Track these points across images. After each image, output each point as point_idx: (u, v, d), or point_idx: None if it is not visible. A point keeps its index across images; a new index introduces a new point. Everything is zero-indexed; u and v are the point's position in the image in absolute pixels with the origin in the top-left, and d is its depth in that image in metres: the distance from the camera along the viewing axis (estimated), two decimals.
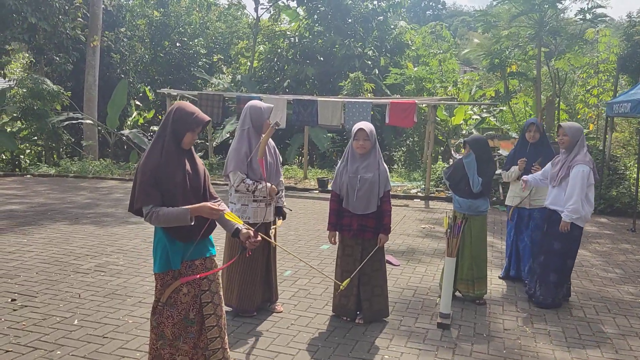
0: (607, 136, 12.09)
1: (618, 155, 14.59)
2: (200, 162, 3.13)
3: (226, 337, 3.17)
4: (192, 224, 2.87)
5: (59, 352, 3.71)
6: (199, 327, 3.05)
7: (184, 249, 3.00)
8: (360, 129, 4.19)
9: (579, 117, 19.34)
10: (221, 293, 3.16)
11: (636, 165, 10.43)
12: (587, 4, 14.74)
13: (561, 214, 4.80)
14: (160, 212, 2.84)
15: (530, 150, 5.51)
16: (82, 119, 16.80)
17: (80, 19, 17.76)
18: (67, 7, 17.26)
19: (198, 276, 3.00)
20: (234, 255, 4.31)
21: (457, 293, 5.09)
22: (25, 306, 4.58)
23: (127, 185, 13.17)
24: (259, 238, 3.09)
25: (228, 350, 3.17)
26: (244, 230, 3.07)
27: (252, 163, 4.25)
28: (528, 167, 5.44)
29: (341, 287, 4.27)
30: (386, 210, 4.31)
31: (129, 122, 19.15)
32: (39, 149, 18.22)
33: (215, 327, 3.07)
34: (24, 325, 4.17)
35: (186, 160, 3.00)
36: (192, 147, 3.11)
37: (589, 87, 17.85)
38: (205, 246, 3.11)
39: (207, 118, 3.03)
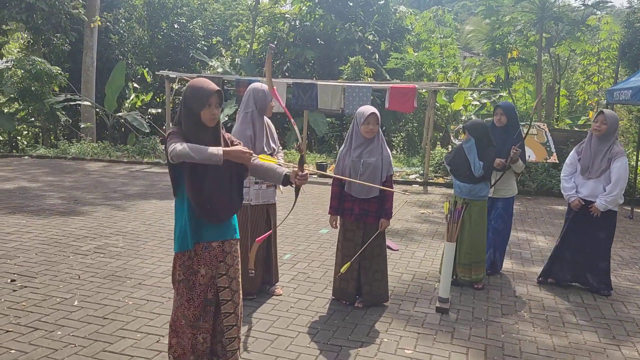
0: None
1: None
2: (227, 141, 2.95)
3: (241, 325, 3.12)
4: (221, 164, 2.70)
5: (59, 333, 3.72)
6: (216, 308, 3.04)
7: (203, 229, 2.93)
8: (372, 113, 4.16)
9: (578, 103, 19.32)
10: (239, 280, 3.09)
11: (635, 153, 10.43)
12: None
13: (595, 199, 4.83)
14: (189, 144, 2.68)
15: (498, 134, 5.26)
16: (79, 100, 16.70)
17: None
18: None
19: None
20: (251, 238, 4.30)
21: (454, 277, 5.10)
22: (25, 287, 4.58)
23: (125, 167, 13.15)
24: (306, 172, 2.92)
25: (241, 338, 3.15)
26: (292, 172, 2.92)
27: (255, 147, 4.24)
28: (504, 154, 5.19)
29: (341, 270, 4.28)
30: (388, 194, 4.30)
31: (126, 104, 19.04)
32: (36, 130, 18.13)
33: (232, 314, 3.03)
34: (24, 305, 4.18)
35: (208, 140, 2.84)
36: (219, 126, 2.93)
37: (590, 74, 17.80)
38: (225, 228, 3.02)
39: (215, 88, 2.86)
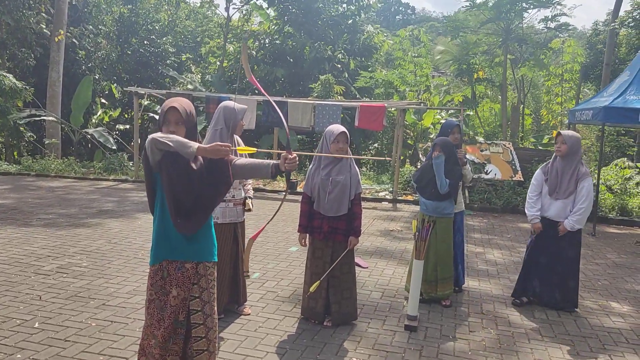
0: None
1: None
2: (200, 166, 2.89)
3: (215, 350, 3.04)
4: (191, 162, 2.66)
5: (19, 356, 3.60)
6: (187, 330, 2.98)
7: (176, 245, 2.90)
8: (343, 132, 4.20)
9: (542, 123, 19.83)
10: (214, 304, 3.03)
11: (596, 171, 10.74)
12: (551, 11, 15.16)
13: (564, 220, 4.94)
14: (164, 134, 2.68)
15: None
16: (44, 116, 16.37)
17: (44, 14, 17.32)
18: (31, 2, 16.81)
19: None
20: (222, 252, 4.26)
21: (421, 296, 5.11)
22: None
23: (91, 183, 12.90)
24: (294, 155, 2.84)
25: None
26: (281, 157, 2.83)
27: None
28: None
29: (311, 289, 4.27)
30: (357, 212, 4.32)
31: (93, 120, 18.75)
32: None
33: (203, 339, 2.96)
34: None
35: (178, 160, 2.81)
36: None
37: (553, 95, 18.33)
38: (200, 249, 2.98)
39: (171, 104, 2.84)
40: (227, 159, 2.91)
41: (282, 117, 3.09)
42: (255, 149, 2.97)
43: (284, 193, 3.14)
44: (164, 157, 2.77)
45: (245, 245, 3.24)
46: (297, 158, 2.84)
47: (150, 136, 2.70)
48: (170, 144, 2.64)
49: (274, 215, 3.42)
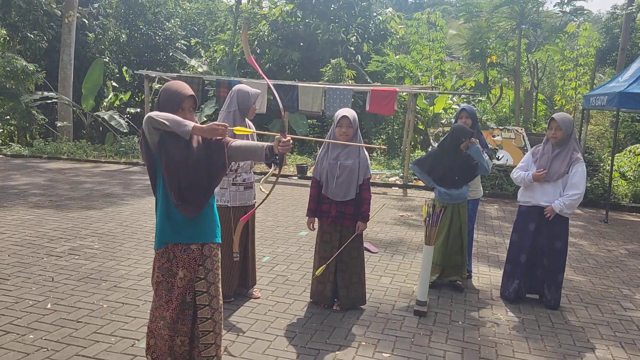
0: (582, 128, 12.28)
1: (593, 147, 14.84)
2: (199, 148, 2.87)
3: (221, 332, 3.07)
4: (187, 138, 2.67)
5: (31, 336, 3.64)
6: (194, 312, 3.00)
7: (180, 228, 2.92)
8: (344, 116, 4.16)
9: (555, 108, 19.62)
10: (219, 285, 3.05)
11: (610, 157, 10.62)
12: None
13: (553, 202, 4.59)
14: (161, 112, 2.69)
15: None
16: (56, 98, 16.43)
17: None
18: None
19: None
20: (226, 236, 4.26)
21: (455, 280, 5.12)
22: None
23: (103, 166, 12.97)
24: (288, 138, 2.80)
25: (221, 347, 3.10)
26: (275, 140, 2.80)
27: None
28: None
29: (316, 273, 4.28)
30: (365, 197, 4.30)
31: (105, 103, 18.78)
32: (12, 128, 17.81)
33: (209, 320, 2.99)
34: None
35: (182, 143, 2.81)
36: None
37: (568, 80, 18.08)
38: (205, 230, 3.00)
39: (189, 92, 2.85)
40: (224, 141, 2.89)
41: (280, 103, 3.05)
42: (252, 130, 2.93)
43: (276, 176, 3.12)
44: (162, 138, 2.77)
45: (243, 226, 3.24)
46: (291, 141, 2.82)
47: (147, 115, 2.70)
48: (166, 123, 2.65)
49: (265, 198, 3.38)
